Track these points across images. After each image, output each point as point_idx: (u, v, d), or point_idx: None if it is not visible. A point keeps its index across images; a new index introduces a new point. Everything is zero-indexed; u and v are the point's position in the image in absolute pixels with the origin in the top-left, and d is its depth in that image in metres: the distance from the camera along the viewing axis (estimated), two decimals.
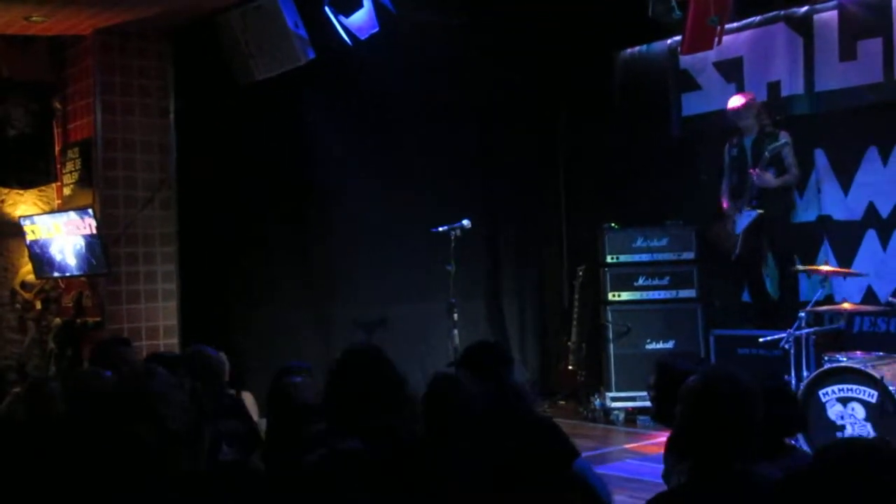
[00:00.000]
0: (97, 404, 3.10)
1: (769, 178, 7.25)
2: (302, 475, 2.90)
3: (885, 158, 7.20)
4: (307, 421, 3.27)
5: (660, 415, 3.52)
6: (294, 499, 2.87)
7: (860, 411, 5.76)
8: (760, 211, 7.30)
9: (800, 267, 6.85)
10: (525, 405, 3.58)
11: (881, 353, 6.18)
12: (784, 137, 7.24)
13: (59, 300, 7.35)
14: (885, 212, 7.20)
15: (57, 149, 7.36)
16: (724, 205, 7.61)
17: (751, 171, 7.28)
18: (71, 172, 7.18)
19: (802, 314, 6.21)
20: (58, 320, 7.19)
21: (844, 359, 6.04)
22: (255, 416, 5.37)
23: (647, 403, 6.46)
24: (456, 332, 6.87)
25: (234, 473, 2.92)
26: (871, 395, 5.71)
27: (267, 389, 3.72)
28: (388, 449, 3.08)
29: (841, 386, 5.85)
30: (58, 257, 6.94)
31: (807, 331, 6.26)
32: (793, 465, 2.73)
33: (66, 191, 7.26)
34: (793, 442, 3.43)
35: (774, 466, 2.69)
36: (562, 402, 8.52)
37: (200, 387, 4.59)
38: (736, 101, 7.45)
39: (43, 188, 7.44)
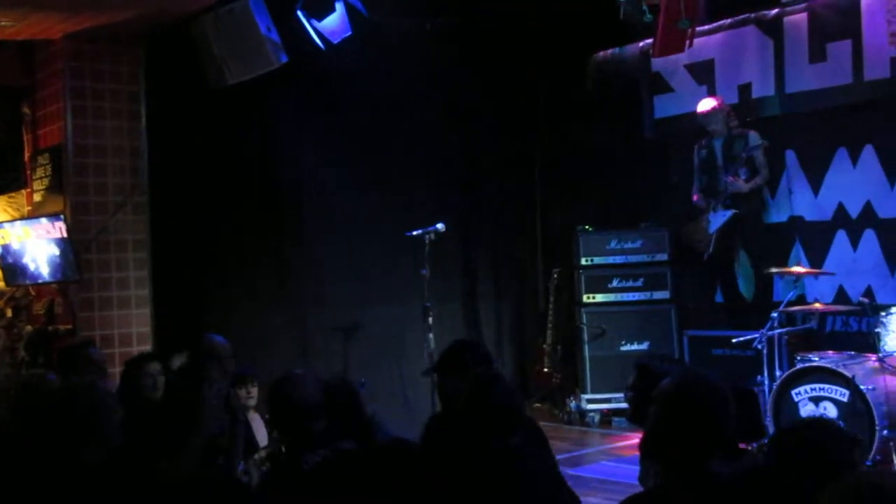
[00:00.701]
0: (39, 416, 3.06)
1: (741, 184, 7.36)
2: (307, 476, 2.96)
3: (854, 159, 7.27)
4: (311, 418, 3.28)
5: (637, 416, 3.52)
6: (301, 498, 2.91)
7: (832, 410, 5.81)
8: (735, 211, 7.39)
9: (774, 270, 6.89)
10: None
11: (853, 353, 6.23)
12: (757, 139, 7.32)
13: (29, 308, 7.25)
14: (854, 212, 7.28)
15: (27, 154, 7.28)
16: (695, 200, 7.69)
17: (727, 178, 7.35)
18: (41, 178, 7.09)
19: (775, 314, 6.27)
20: (29, 328, 7.09)
21: (816, 358, 6.09)
22: None
23: (623, 405, 6.50)
24: (431, 335, 6.85)
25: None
26: (842, 394, 5.77)
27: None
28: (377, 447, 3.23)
29: (813, 385, 5.90)
30: (31, 266, 6.86)
31: (779, 331, 6.32)
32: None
33: (37, 197, 7.17)
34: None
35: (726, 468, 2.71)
36: (537, 405, 8.54)
37: (229, 387, 4.52)
38: (705, 106, 7.52)
39: (13, 194, 7.35)
